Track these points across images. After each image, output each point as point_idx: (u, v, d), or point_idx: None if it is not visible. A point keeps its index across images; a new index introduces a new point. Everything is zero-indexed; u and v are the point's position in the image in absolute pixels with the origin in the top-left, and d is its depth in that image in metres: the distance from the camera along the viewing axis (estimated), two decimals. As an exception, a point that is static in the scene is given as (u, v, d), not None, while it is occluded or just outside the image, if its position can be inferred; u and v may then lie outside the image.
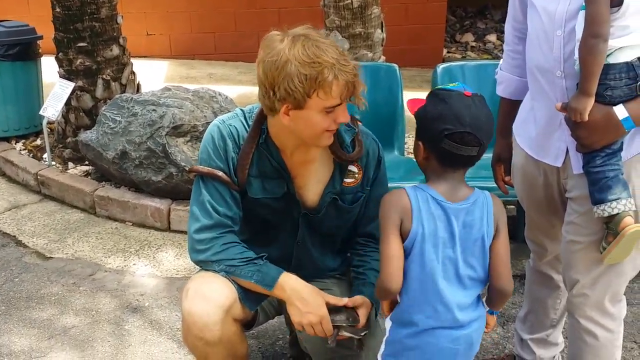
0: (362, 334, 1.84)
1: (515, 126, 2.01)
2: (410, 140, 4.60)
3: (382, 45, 3.87)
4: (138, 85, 4.51)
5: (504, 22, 8.07)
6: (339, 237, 2.09)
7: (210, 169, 1.87)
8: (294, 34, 1.72)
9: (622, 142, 1.70)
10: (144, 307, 2.90)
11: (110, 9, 4.15)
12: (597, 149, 1.69)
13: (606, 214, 1.70)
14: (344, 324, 1.82)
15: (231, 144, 1.87)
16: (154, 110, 3.55)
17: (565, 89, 1.72)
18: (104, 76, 4.21)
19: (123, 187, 3.82)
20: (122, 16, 4.28)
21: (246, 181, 1.90)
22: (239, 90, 5.79)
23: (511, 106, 2.07)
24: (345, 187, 1.96)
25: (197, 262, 1.93)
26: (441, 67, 3.29)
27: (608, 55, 1.60)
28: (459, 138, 1.57)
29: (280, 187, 1.92)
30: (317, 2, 3.90)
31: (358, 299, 1.89)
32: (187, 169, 1.99)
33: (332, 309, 1.83)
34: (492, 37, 7.65)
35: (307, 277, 1.93)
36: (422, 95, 1.72)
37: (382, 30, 3.83)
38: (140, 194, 3.72)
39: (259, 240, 1.98)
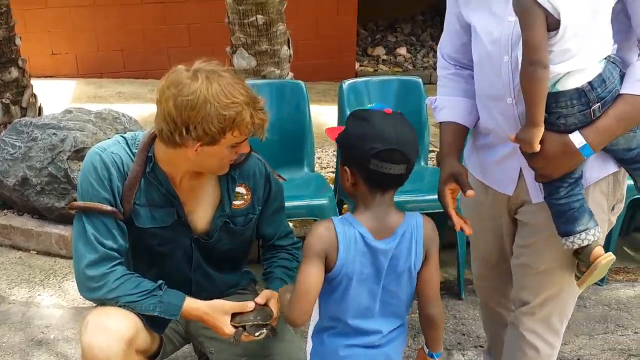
0: (261, 335, 1.81)
1: (465, 152, 1.94)
2: (322, 155, 4.64)
3: (289, 62, 3.88)
4: (40, 108, 4.38)
5: (413, 35, 8.36)
6: (235, 257, 2.08)
7: (93, 203, 1.80)
8: (206, 72, 1.69)
9: (582, 170, 1.65)
10: (50, 339, 2.78)
11: (7, 31, 4.02)
12: (557, 179, 1.64)
13: (576, 246, 1.66)
14: (247, 324, 1.81)
15: (115, 172, 1.82)
16: (54, 134, 3.44)
17: (517, 116, 1.67)
18: (3, 100, 4.08)
19: (26, 215, 3.67)
20: (20, 37, 4.15)
21: (132, 210, 1.85)
22: (151, 108, 5.68)
23: (458, 130, 1.87)
24: (235, 209, 1.96)
25: (91, 300, 1.87)
26: (347, 83, 3.33)
27: (556, 83, 1.55)
28: (386, 156, 1.53)
29: (169, 215, 1.89)
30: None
31: (266, 293, 1.90)
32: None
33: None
34: (402, 51, 7.82)
35: (211, 298, 1.91)
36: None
37: (288, 47, 3.84)
38: (44, 221, 3.59)
39: (153, 272, 1.94)
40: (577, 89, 1.54)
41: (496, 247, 1.96)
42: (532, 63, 1.51)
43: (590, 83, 1.54)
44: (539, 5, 1.48)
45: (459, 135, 1.88)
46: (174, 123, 1.69)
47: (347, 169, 1.60)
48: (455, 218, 1.79)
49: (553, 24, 1.50)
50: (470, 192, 1.76)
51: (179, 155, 1.78)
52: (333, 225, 1.60)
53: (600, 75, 1.54)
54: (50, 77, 6.54)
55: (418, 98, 3.34)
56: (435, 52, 7.74)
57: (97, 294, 1.81)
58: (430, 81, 7.01)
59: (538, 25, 1.49)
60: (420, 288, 1.67)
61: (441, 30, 1.94)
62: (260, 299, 1.87)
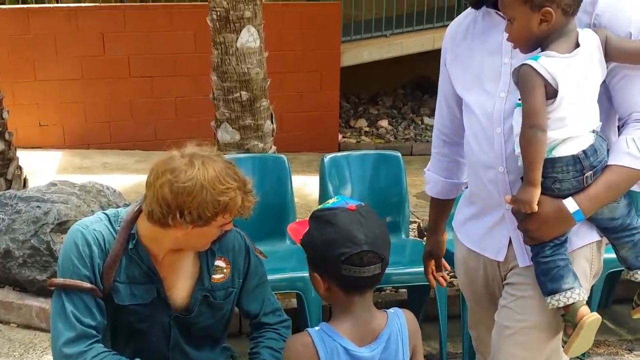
0: None
1: (455, 225, 2.04)
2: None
3: (272, 136, 3.96)
4: (25, 180, 4.40)
5: (394, 108, 8.56)
6: (213, 333, 2.07)
7: (73, 281, 1.81)
8: (201, 157, 1.75)
9: (568, 235, 1.73)
10: (26, 416, 2.73)
11: (-6, 105, 4.08)
12: (545, 241, 1.70)
13: (562, 304, 1.69)
14: None
15: (97, 249, 1.84)
16: (38, 206, 3.46)
17: (508, 184, 1.76)
18: (-12, 172, 4.09)
19: (7, 287, 3.63)
20: (8, 111, 4.21)
21: (112, 287, 1.86)
22: (135, 179, 5.72)
23: (440, 205, 2.17)
24: (215, 283, 1.97)
25: None
26: (328, 157, 3.40)
27: (552, 149, 1.64)
28: (358, 259, 1.46)
29: (149, 292, 1.90)
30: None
31: None
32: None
33: None
34: (383, 123, 8.00)
35: None
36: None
37: (272, 122, 3.93)
38: (25, 294, 3.55)
39: (131, 348, 1.93)
40: (572, 155, 1.64)
41: (493, 311, 1.99)
42: (532, 126, 1.61)
43: (584, 151, 1.64)
44: (539, 74, 1.60)
45: (443, 207, 2.19)
46: (168, 207, 1.72)
47: (317, 275, 1.53)
48: (432, 281, 2.25)
49: (551, 92, 1.60)
50: (438, 274, 2.20)
51: (167, 235, 1.81)
52: (311, 340, 1.51)
53: (592, 145, 1.65)
54: (38, 148, 6.58)
55: (398, 171, 3.41)
56: (415, 124, 7.94)
57: None
58: (411, 153, 7.14)
59: (537, 92, 1.60)
60: None
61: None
62: None
